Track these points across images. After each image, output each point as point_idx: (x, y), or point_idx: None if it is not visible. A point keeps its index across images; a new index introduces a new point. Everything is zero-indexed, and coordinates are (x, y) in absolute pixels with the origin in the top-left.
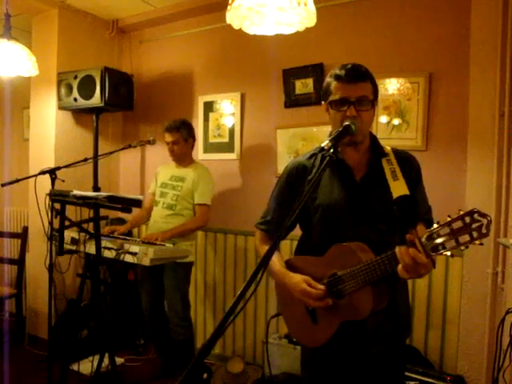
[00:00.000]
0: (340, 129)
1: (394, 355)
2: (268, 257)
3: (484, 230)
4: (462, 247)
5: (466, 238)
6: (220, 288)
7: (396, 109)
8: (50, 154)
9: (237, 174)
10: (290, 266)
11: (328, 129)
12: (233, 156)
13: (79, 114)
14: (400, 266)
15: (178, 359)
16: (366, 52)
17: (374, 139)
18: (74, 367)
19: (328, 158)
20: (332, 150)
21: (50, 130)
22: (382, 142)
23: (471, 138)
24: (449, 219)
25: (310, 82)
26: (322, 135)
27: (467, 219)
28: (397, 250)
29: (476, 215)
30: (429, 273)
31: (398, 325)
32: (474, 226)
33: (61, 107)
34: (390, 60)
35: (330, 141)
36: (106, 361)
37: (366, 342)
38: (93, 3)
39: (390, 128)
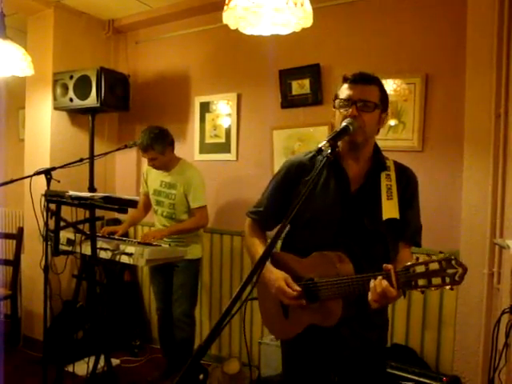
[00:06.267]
0: (338, 129)
1: (369, 357)
2: (264, 259)
3: (457, 278)
4: (433, 288)
5: (439, 280)
6: (216, 289)
7: (392, 110)
8: (46, 155)
9: (233, 174)
10: (274, 259)
11: (324, 129)
12: (229, 156)
13: (75, 114)
14: (370, 296)
15: (179, 358)
16: (363, 53)
17: (376, 151)
18: (70, 368)
19: (326, 158)
20: (330, 151)
21: (45, 130)
22: (380, 144)
23: (467, 139)
24: (427, 258)
25: (306, 82)
26: (318, 136)
27: (444, 264)
28: (372, 282)
29: (453, 262)
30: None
31: (371, 333)
32: (448, 271)
33: (56, 107)
34: (386, 61)
35: (328, 141)
36: (101, 362)
37: (339, 344)
38: (88, 3)
39: (387, 129)
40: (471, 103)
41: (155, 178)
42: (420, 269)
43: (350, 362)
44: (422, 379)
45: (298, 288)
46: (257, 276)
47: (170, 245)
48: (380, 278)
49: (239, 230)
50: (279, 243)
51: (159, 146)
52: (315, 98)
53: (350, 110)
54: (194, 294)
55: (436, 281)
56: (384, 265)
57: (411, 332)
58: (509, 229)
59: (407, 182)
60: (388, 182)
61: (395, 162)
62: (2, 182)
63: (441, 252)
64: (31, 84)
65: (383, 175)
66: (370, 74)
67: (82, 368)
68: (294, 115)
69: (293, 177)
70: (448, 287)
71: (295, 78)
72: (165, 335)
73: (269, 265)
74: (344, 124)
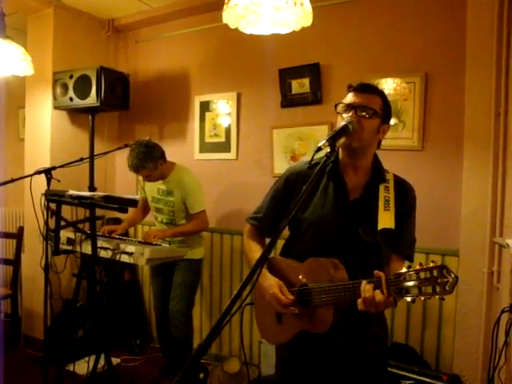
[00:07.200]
0: (337, 128)
1: (368, 364)
2: (264, 259)
3: (448, 288)
4: (423, 297)
5: (429, 289)
6: (216, 288)
7: (392, 109)
8: (46, 154)
9: (233, 173)
10: (270, 264)
11: (324, 128)
12: (229, 156)
13: (75, 113)
14: (360, 299)
15: (178, 356)
16: (363, 52)
17: (377, 163)
18: (70, 368)
19: (325, 157)
20: (329, 150)
21: (45, 129)
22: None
23: (467, 138)
24: (418, 267)
25: (306, 81)
26: (318, 135)
27: (435, 272)
28: (362, 284)
29: (444, 271)
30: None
31: (370, 343)
32: (439, 280)
33: (56, 107)
34: (386, 60)
35: (327, 140)
36: (101, 361)
37: (336, 351)
38: (88, 2)
39: None
40: (471, 102)
41: (152, 186)
42: (411, 277)
43: (348, 368)
44: (422, 378)
45: (291, 296)
46: (256, 276)
47: (170, 244)
48: (371, 284)
49: (239, 229)
50: (279, 248)
51: (150, 165)
52: (315, 97)
53: (350, 113)
54: (192, 294)
55: (427, 289)
56: (375, 271)
57: (411, 331)
58: (508, 228)
59: (405, 196)
60: (386, 194)
61: (395, 176)
62: (2, 181)
63: (432, 261)
64: (31, 83)
65: (382, 187)
66: (375, 85)
67: (82, 367)
68: (293, 114)
69: (292, 185)
70: (438, 297)
71: (295, 77)
72: (163, 334)
73: (264, 271)
74: (343, 123)
